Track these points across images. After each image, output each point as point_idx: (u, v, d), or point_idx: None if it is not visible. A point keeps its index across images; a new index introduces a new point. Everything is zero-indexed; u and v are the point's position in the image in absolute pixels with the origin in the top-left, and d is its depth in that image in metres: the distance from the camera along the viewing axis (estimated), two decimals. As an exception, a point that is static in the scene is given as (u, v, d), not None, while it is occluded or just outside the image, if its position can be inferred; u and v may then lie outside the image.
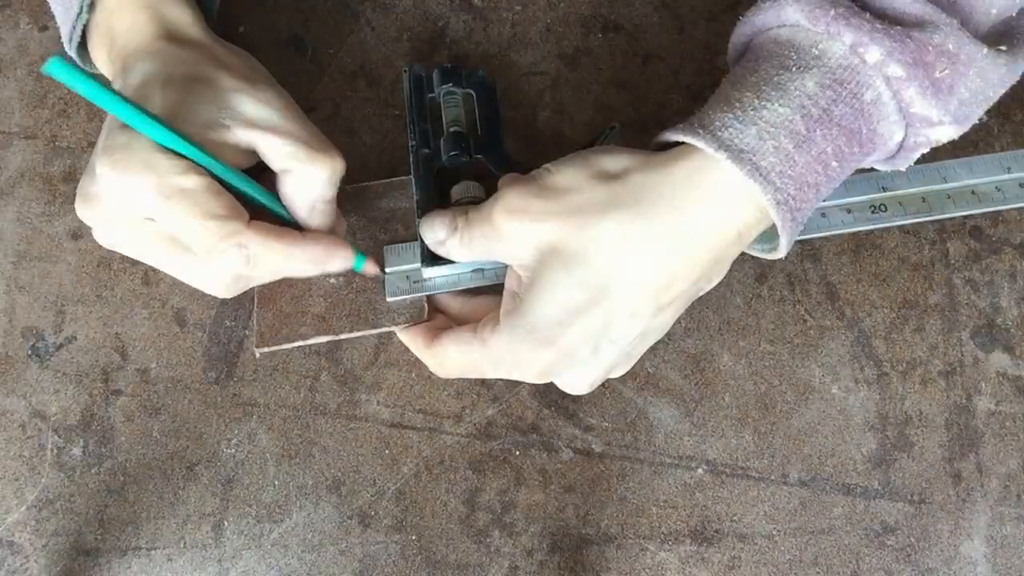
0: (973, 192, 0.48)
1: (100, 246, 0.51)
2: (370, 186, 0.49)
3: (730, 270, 0.51)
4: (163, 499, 0.48)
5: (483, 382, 0.49)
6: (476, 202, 0.45)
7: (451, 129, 0.48)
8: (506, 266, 0.44)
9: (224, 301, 0.49)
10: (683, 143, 0.40)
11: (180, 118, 0.38)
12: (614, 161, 0.40)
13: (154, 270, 0.50)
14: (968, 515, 0.49)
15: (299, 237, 0.41)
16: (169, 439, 0.48)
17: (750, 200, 0.38)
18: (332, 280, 0.46)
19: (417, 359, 0.49)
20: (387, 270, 0.46)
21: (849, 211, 0.47)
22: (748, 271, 0.51)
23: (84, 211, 0.40)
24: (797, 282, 0.51)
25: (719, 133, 0.38)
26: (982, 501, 0.49)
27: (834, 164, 0.39)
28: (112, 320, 0.49)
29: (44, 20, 0.54)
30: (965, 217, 0.52)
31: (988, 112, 0.52)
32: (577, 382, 0.42)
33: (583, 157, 0.41)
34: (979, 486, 0.49)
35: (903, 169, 0.43)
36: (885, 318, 0.51)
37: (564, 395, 0.49)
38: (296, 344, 0.46)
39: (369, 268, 0.45)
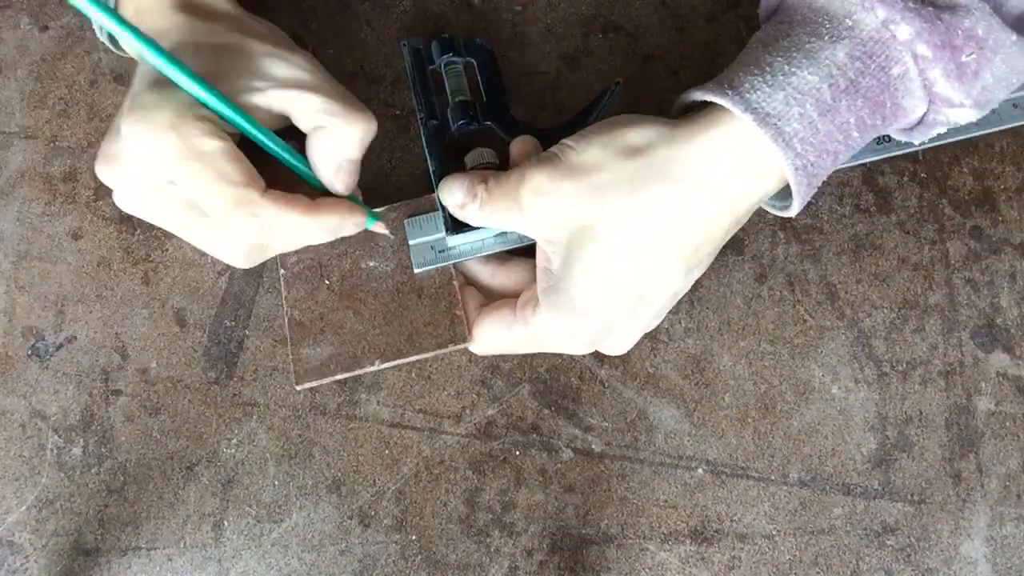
0: None
1: (100, 246, 0.51)
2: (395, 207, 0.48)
3: (730, 270, 0.51)
4: (163, 499, 0.48)
5: (483, 382, 0.49)
6: (491, 167, 0.46)
7: (457, 99, 0.48)
8: None
9: (224, 301, 0.49)
10: (707, 104, 0.40)
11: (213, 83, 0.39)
12: (638, 134, 0.40)
13: (154, 270, 0.50)
14: (968, 515, 0.49)
15: (312, 206, 0.41)
16: (169, 439, 0.48)
17: (772, 164, 0.39)
18: (368, 309, 0.46)
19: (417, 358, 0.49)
20: (411, 242, 0.46)
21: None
22: (748, 271, 0.51)
23: (105, 173, 0.40)
24: (797, 282, 0.51)
25: (747, 95, 0.38)
26: (982, 501, 0.49)
27: (855, 134, 0.40)
28: (112, 320, 0.49)
29: (45, 20, 0.54)
30: (965, 217, 0.52)
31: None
32: (619, 345, 0.44)
33: (606, 132, 0.41)
34: (979, 486, 0.49)
35: (917, 143, 0.44)
36: (885, 318, 0.51)
37: (564, 395, 0.49)
38: (335, 378, 0.45)
39: (378, 228, 0.45)
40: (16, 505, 0.47)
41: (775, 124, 0.38)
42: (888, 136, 0.46)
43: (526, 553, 0.47)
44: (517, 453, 0.49)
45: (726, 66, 0.43)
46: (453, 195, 0.44)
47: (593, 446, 0.49)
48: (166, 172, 0.38)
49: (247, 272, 0.50)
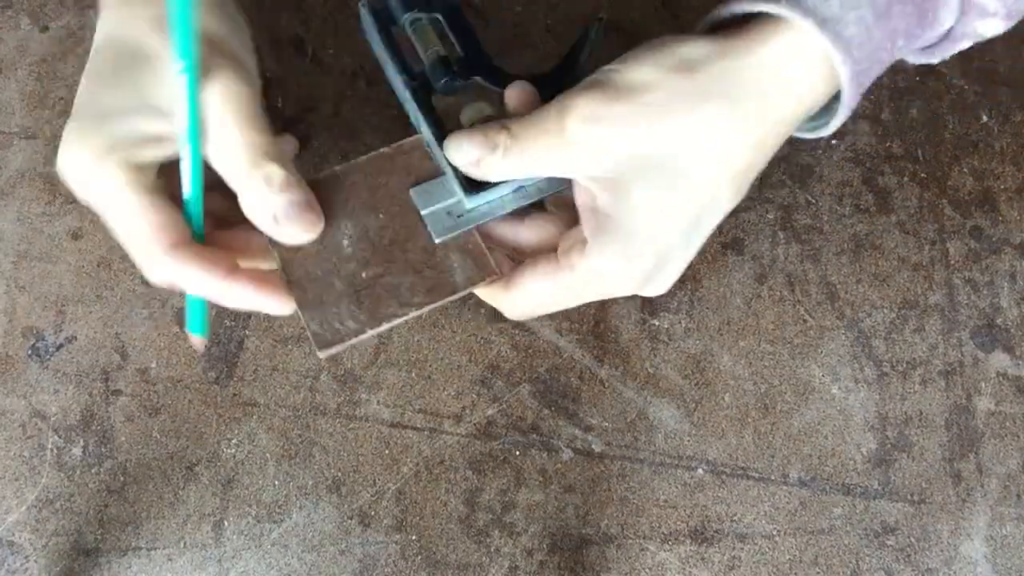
0: None
1: (100, 246, 0.51)
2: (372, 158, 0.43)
3: (730, 270, 0.51)
4: (163, 499, 0.48)
5: (483, 382, 0.49)
6: (493, 120, 0.41)
7: (433, 56, 0.43)
8: (545, 179, 0.41)
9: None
10: (746, 19, 0.38)
11: (94, 100, 0.36)
12: (691, 49, 0.38)
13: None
14: (968, 515, 0.49)
15: (229, 275, 0.38)
16: (169, 439, 0.48)
17: (826, 74, 0.38)
18: (385, 257, 0.41)
19: (417, 358, 0.49)
20: (423, 212, 0.42)
21: None
22: (748, 271, 0.51)
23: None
24: (797, 282, 0.51)
25: (802, 1, 0.36)
26: (982, 501, 0.49)
27: (900, 42, 0.38)
28: (112, 320, 0.49)
29: (45, 20, 0.54)
30: (965, 217, 0.52)
31: (989, 112, 0.53)
32: (666, 281, 0.41)
33: (655, 49, 0.38)
34: (979, 486, 0.49)
35: (935, 62, 0.43)
36: (885, 318, 0.51)
37: (564, 395, 0.49)
38: (360, 339, 0.40)
39: (195, 342, 0.41)
40: (16, 505, 0.47)
41: (835, 29, 0.36)
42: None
43: (526, 553, 0.47)
44: (517, 453, 0.49)
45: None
46: (463, 152, 0.39)
47: (593, 446, 0.49)
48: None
49: (247, 272, 0.50)
